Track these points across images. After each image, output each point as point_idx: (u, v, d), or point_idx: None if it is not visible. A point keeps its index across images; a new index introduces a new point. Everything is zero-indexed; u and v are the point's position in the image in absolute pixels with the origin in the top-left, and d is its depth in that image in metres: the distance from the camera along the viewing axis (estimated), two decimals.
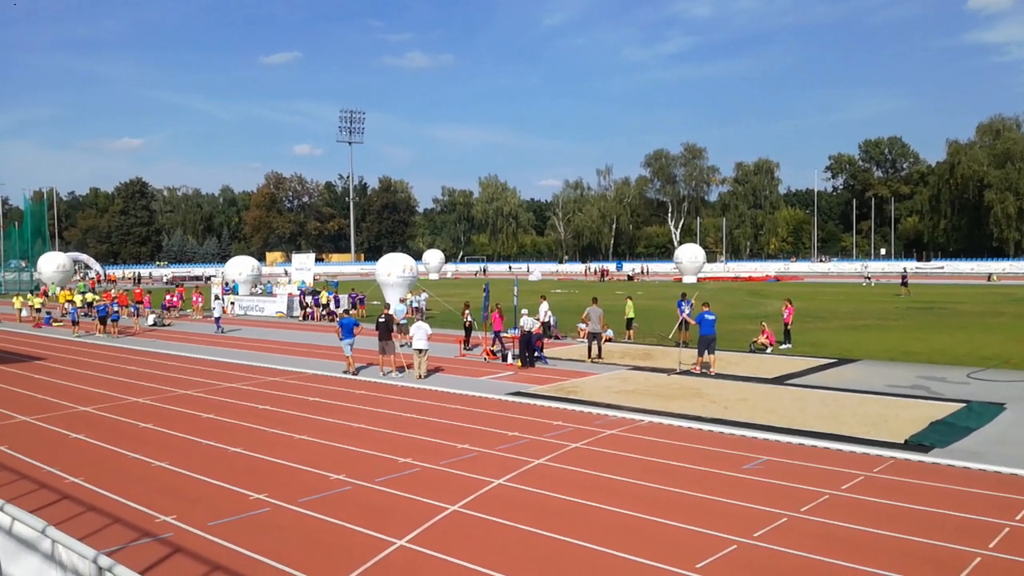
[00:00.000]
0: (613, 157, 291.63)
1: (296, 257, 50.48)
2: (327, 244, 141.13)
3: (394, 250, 74.47)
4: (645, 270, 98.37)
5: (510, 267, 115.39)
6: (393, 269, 37.96)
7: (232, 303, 41.78)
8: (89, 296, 38.90)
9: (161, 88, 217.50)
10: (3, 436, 13.36)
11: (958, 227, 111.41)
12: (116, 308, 32.01)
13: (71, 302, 37.27)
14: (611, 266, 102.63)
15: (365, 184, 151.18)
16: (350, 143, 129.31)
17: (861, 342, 24.74)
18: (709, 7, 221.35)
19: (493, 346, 22.49)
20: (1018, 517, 8.59)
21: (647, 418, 14.06)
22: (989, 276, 73.57)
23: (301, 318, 37.72)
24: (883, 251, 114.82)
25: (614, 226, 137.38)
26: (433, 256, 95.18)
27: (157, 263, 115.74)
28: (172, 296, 42.22)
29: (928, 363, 20.23)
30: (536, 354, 21.00)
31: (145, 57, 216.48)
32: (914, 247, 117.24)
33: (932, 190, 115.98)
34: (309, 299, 38.27)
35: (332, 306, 36.59)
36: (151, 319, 35.31)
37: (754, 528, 8.33)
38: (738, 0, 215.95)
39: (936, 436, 12.28)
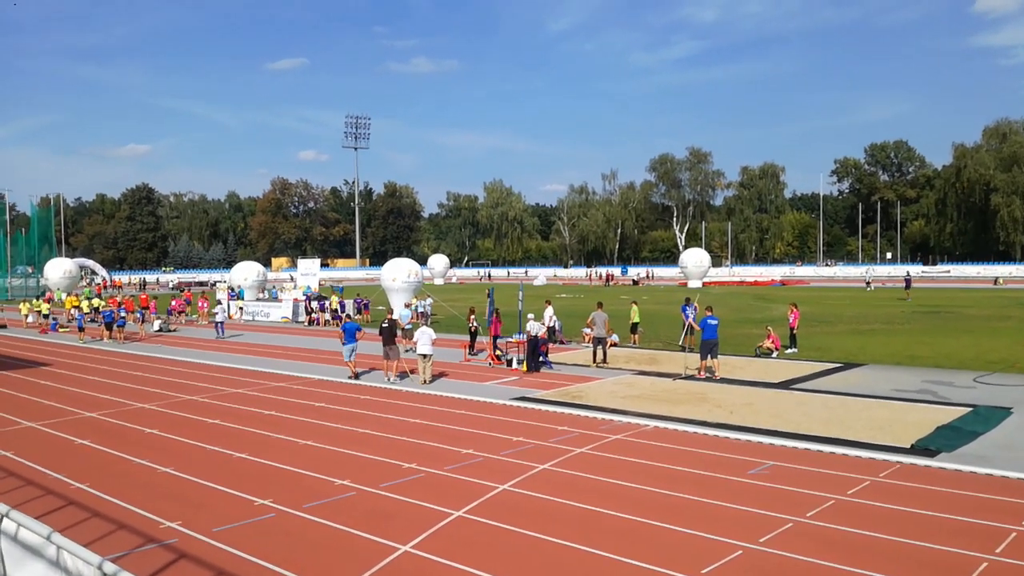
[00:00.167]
0: (618, 162, 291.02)
1: (302, 262, 50.62)
2: (332, 249, 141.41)
3: (399, 255, 74.46)
4: (650, 275, 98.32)
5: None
6: (398, 274, 37.98)
7: (241, 308, 41.86)
8: (96, 302, 39.01)
9: (167, 95, 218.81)
10: (9, 442, 13.40)
11: (964, 231, 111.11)
12: (123, 314, 32.11)
13: (77, 308, 37.41)
14: (616, 271, 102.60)
15: (370, 189, 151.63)
16: (356, 149, 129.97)
17: (867, 346, 24.66)
18: (715, 11, 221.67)
19: (496, 351, 22.49)
20: None
21: (652, 423, 14.03)
22: (995, 280, 73.38)
23: (306, 323, 37.78)
24: (889, 255, 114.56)
25: (619, 231, 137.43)
26: (438, 261, 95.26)
27: (163, 269, 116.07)
28: (178, 301, 42.37)
29: (934, 367, 20.16)
30: (541, 359, 20.99)
31: (151, 64, 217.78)
32: (920, 251, 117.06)
33: (938, 194, 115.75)
34: (315, 304, 38.33)
35: (340, 311, 36.57)
36: (157, 324, 35.40)
37: (760, 533, 8.30)
38: (744, 4, 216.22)
39: (943, 440, 12.23)
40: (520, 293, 25.10)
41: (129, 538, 8.44)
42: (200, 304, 40.74)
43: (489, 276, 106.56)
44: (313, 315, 37.76)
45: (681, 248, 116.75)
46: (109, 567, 5.15)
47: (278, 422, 14.74)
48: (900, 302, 45.78)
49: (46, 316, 37.51)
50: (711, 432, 13.23)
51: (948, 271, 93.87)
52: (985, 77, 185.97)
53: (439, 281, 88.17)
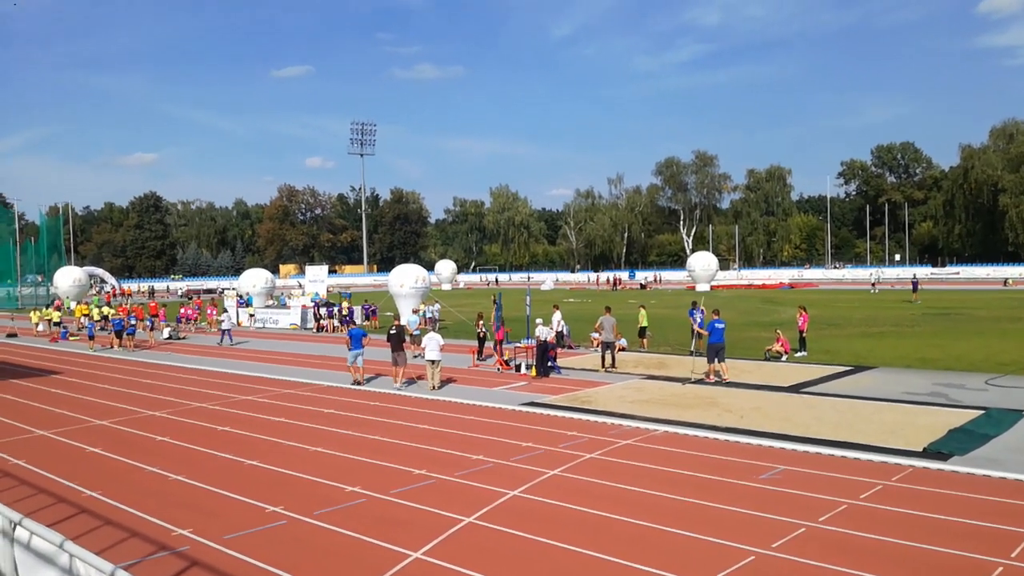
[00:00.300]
0: (624, 166, 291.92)
1: (309, 269, 50.71)
2: (340, 256, 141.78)
3: (406, 261, 74.87)
4: (658, 279, 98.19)
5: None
6: (405, 280, 38.05)
7: (252, 315, 41.96)
8: (105, 310, 39.19)
9: (174, 103, 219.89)
10: (21, 450, 13.45)
11: (973, 232, 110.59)
12: (133, 322, 32.24)
13: (87, 316, 37.60)
14: (624, 275, 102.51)
15: (377, 196, 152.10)
16: (362, 155, 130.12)
17: (877, 349, 24.56)
18: (718, 15, 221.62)
19: (504, 356, 22.49)
20: None
21: (662, 428, 14.00)
22: (1005, 281, 72.96)
23: (315, 330, 37.85)
24: (898, 257, 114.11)
25: (626, 235, 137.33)
26: (445, 267, 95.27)
27: (172, 276, 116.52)
28: (188, 309, 42.51)
29: (945, 370, 20.05)
30: (550, 364, 20.97)
31: (158, 73, 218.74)
32: (929, 253, 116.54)
33: (946, 195, 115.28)
34: (323, 311, 38.39)
35: (349, 317, 36.61)
36: (166, 332, 35.54)
37: (772, 539, 8.27)
38: (747, 7, 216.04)
39: (955, 444, 12.16)
40: (528, 298, 25.11)
41: (141, 546, 8.46)
42: (209, 312, 40.87)
43: (496, 281, 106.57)
44: (322, 321, 37.83)
45: (688, 252, 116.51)
46: (122, 575, 5.16)
47: (288, 429, 14.76)
48: (908, 304, 45.58)
49: (57, 324, 37.68)
50: (721, 436, 13.19)
51: (957, 273, 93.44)
52: (991, 78, 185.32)
53: (446, 287, 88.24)
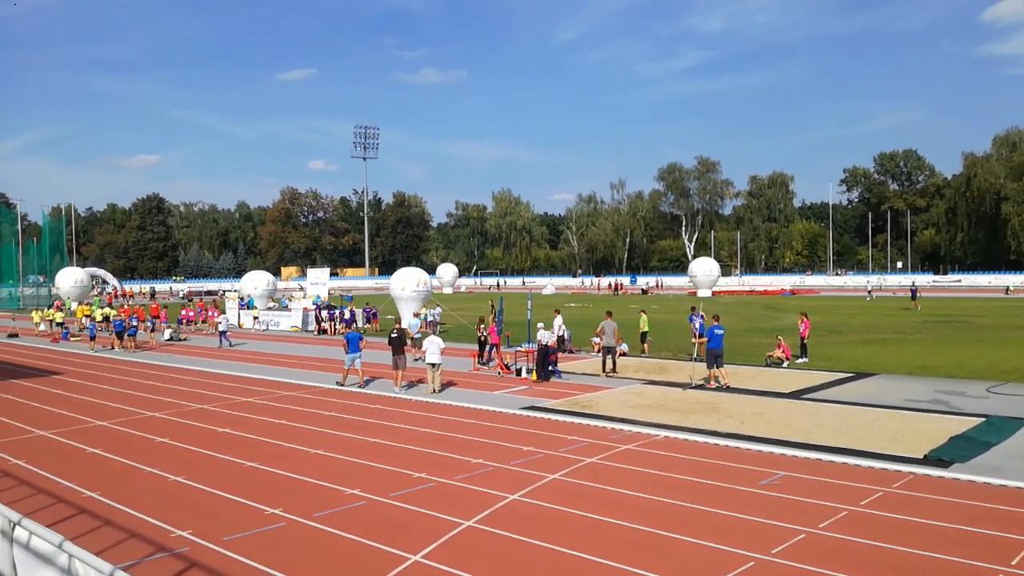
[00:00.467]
0: (626, 171, 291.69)
1: (311, 272, 50.74)
2: (342, 259, 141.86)
3: (408, 264, 74.77)
4: (659, 284, 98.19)
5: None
6: (407, 283, 38.06)
7: (256, 318, 41.96)
8: (106, 311, 39.24)
9: (177, 105, 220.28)
10: (21, 450, 13.45)
11: (975, 240, 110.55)
12: (134, 323, 32.26)
13: (89, 317, 37.64)
14: (625, 280, 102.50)
15: (379, 199, 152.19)
16: (364, 159, 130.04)
17: (878, 356, 24.53)
18: (722, 21, 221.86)
19: (505, 359, 22.49)
20: None
21: (663, 433, 13.98)
22: (1007, 289, 72.95)
23: (316, 332, 37.86)
24: (900, 264, 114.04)
25: (628, 240, 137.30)
26: (447, 270, 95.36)
27: (174, 278, 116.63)
28: (189, 310, 42.53)
29: (947, 377, 20.03)
30: (550, 368, 20.96)
31: (161, 75, 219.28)
32: (931, 260, 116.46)
33: (948, 203, 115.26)
34: (324, 313, 38.41)
35: (351, 319, 36.57)
36: (168, 334, 35.57)
37: (772, 544, 8.25)
38: (751, 14, 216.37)
39: (956, 451, 12.14)
40: (529, 302, 25.11)
41: (140, 547, 8.45)
42: (211, 314, 40.92)
43: (498, 286, 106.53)
44: (323, 324, 37.84)
45: (690, 257, 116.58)
46: None
47: (288, 431, 14.75)
48: (909, 312, 45.52)
49: (60, 324, 37.74)
50: (722, 442, 13.17)
51: (959, 280, 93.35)
52: (994, 86, 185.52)
53: (448, 290, 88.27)
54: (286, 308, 43.30)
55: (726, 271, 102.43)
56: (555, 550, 8.24)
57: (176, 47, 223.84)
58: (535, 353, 21.10)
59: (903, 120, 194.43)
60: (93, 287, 72.13)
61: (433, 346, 18.99)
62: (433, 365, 18.90)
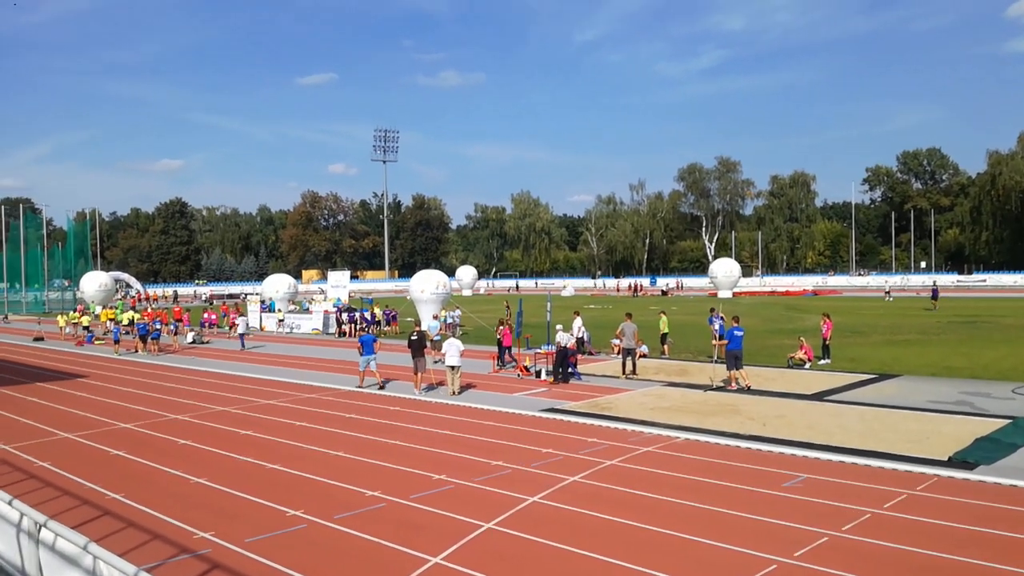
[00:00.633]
0: (646, 171, 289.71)
1: (332, 275, 51.03)
2: (362, 261, 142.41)
3: (427, 267, 74.84)
4: (680, 285, 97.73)
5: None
6: (427, 286, 38.14)
7: (280, 321, 42.23)
8: (130, 315, 39.67)
9: (199, 110, 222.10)
10: (46, 453, 13.63)
11: (1000, 239, 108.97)
12: (157, 326, 32.58)
13: (113, 320, 38.05)
14: (645, 281, 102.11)
15: (399, 202, 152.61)
16: (384, 162, 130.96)
17: (901, 357, 24.26)
18: (743, 20, 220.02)
19: (524, 361, 22.46)
20: None
21: (683, 435, 13.91)
22: None
23: (337, 335, 38.05)
24: (923, 264, 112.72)
25: (647, 241, 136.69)
26: (466, 272, 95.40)
27: (197, 281, 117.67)
28: (212, 313, 42.89)
29: (971, 378, 19.77)
30: (570, 370, 20.92)
31: (184, 80, 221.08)
32: (955, 260, 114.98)
33: (973, 202, 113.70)
34: (344, 316, 38.60)
35: (371, 321, 36.70)
36: (190, 337, 35.90)
37: (795, 548, 8.18)
38: (772, 13, 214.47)
39: (981, 453, 11.97)
40: (548, 304, 25.07)
41: (163, 548, 8.54)
42: (232, 316, 41.24)
43: (518, 287, 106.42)
44: (344, 326, 38.04)
45: (711, 258, 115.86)
46: None
47: (309, 433, 14.84)
48: (932, 312, 44.96)
49: (86, 328, 38.22)
50: (743, 444, 13.08)
51: (984, 280, 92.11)
52: (1019, 83, 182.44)
53: (467, 292, 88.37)
54: (307, 311, 43.57)
55: (747, 272, 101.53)
56: (575, 552, 8.22)
57: (197, 53, 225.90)
58: (554, 355, 21.07)
59: (926, 118, 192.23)
60: (117, 291, 72.98)
61: (452, 348, 19.03)
62: (452, 367, 18.93)
